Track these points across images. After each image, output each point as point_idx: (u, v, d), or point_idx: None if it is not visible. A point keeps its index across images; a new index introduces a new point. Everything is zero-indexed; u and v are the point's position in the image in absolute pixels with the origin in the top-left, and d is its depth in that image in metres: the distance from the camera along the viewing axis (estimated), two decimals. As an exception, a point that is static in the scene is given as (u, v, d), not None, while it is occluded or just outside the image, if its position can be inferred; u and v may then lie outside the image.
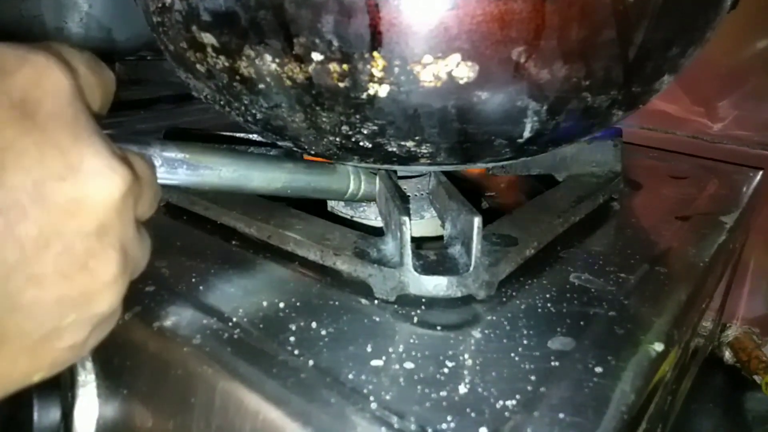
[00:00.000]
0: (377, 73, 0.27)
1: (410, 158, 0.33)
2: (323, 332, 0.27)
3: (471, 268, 0.29)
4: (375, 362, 0.25)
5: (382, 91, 0.27)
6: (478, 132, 0.30)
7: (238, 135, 0.44)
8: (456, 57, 0.26)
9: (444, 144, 0.31)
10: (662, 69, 0.32)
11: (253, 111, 0.32)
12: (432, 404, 0.23)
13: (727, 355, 0.59)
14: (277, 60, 0.28)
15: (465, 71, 0.26)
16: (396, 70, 0.27)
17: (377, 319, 0.28)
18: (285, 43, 0.27)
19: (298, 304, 0.29)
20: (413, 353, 0.26)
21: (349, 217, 0.40)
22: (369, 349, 0.26)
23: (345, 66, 0.27)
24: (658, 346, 0.27)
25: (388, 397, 0.23)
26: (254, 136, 0.44)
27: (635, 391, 0.24)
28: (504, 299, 0.30)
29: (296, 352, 0.26)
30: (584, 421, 0.22)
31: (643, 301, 0.30)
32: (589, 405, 0.23)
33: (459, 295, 0.29)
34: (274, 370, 0.24)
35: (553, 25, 0.25)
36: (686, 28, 0.30)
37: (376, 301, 0.30)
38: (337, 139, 0.32)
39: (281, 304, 0.29)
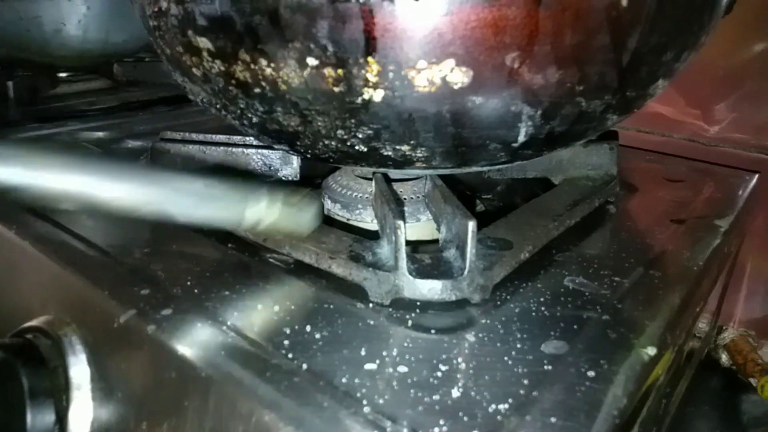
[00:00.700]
0: (372, 78, 0.27)
1: (405, 162, 0.33)
2: (317, 336, 0.27)
3: (465, 272, 0.29)
4: (369, 366, 0.25)
5: (377, 95, 0.28)
6: (473, 136, 0.30)
7: (234, 138, 0.44)
8: (450, 62, 0.26)
9: (439, 148, 0.31)
10: (657, 74, 0.32)
11: (249, 115, 0.32)
12: (425, 408, 0.23)
13: (724, 357, 0.59)
14: (272, 65, 0.28)
15: (459, 76, 0.26)
16: (390, 75, 0.27)
17: (371, 322, 0.28)
18: (280, 48, 0.27)
19: (292, 307, 0.29)
20: (407, 357, 0.26)
21: (345, 220, 0.40)
22: (363, 353, 0.26)
23: (340, 71, 0.27)
24: (651, 350, 0.27)
25: (381, 401, 0.23)
26: (251, 140, 0.44)
27: (627, 395, 0.24)
28: (498, 303, 0.30)
29: (290, 355, 0.26)
30: (576, 425, 0.22)
31: (637, 305, 0.30)
32: (581, 409, 0.23)
33: (453, 298, 0.29)
34: (268, 373, 0.24)
35: (546, 30, 0.26)
36: (680, 32, 0.31)
37: (370, 305, 0.30)
38: (333, 143, 0.32)
39: (276, 308, 0.29)
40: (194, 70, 0.32)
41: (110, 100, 0.76)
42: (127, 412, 0.28)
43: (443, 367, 0.25)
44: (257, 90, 0.30)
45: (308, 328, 0.28)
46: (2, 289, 0.39)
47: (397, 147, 0.31)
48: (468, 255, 0.29)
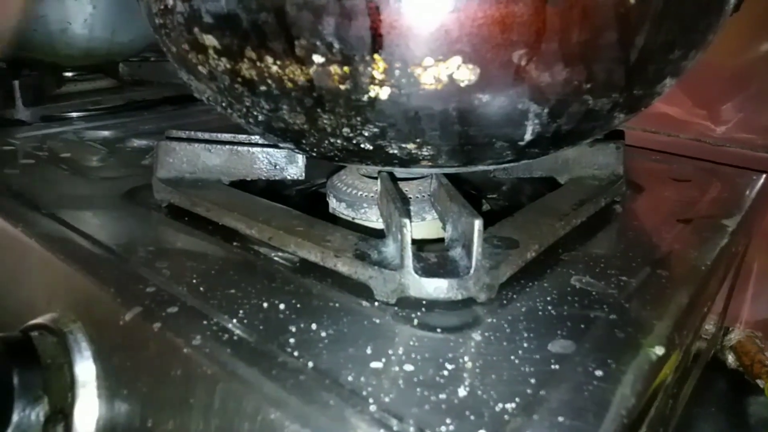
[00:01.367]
0: (378, 75, 0.27)
1: (411, 160, 0.33)
2: (323, 334, 0.27)
3: (472, 271, 0.29)
4: (374, 364, 0.25)
5: (383, 93, 0.28)
6: (480, 134, 0.30)
7: (240, 137, 0.44)
8: (457, 59, 0.26)
9: (445, 146, 0.31)
10: (664, 72, 0.32)
11: (255, 113, 0.32)
12: (431, 407, 0.23)
13: (730, 359, 0.59)
14: (278, 62, 0.28)
15: (466, 74, 0.26)
16: (397, 72, 0.27)
17: (377, 321, 0.28)
18: (286, 46, 0.27)
19: (297, 305, 0.29)
20: (413, 355, 0.26)
21: (350, 218, 0.40)
22: (369, 351, 0.26)
23: (346, 68, 0.27)
24: (659, 350, 0.27)
25: (387, 400, 0.23)
26: (257, 138, 0.44)
27: (635, 394, 0.24)
28: (504, 302, 0.30)
29: (296, 353, 0.26)
30: (584, 424, 0.22)
31: (644, 305, 0.30)
32: (589, 409, 0.23)
33: (460, 297, 0.29)
34: (274, 371, 0.24)
35: (554, 28, 0.26)
36: (688, 30, 0.30)
37: (376, 303, 0.30)
38: (338, 141, 0.32)
39: (281, 306, 0.29)
40: (200, 67, 0.32)
41: (115, 99, 0.76)
42: (132, 410, 0.28)
43: (449, 366, 0.25)
44: (263, 88, 0.30)
45: (314, 326, 0.28)
46: (8, 286, 0.39)
47: (403, 145, 0.31)
48: (474, 254, 0.29)
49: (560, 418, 0.22)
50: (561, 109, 0.29)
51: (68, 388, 0.30)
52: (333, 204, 0.41)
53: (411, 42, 0.26)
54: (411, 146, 0.31)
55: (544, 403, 0.23)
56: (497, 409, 0.23)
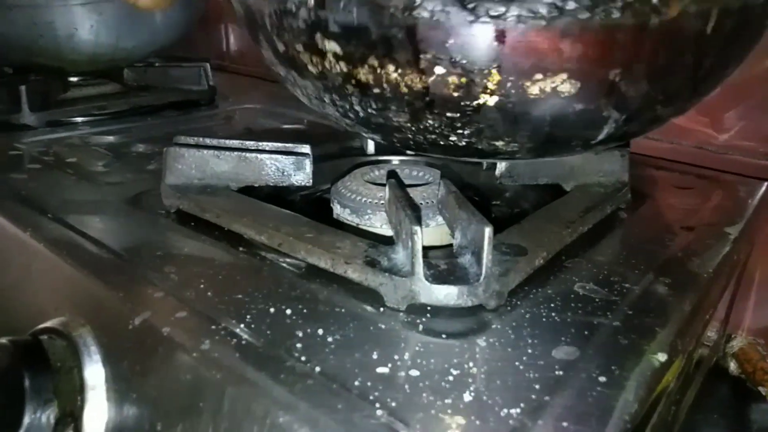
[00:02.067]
0: (491, 86, 0.29)
1: (489, 154, 0.35)
2: (329, 339, 0.27)
3: (482, 278, 0.29)
4: (381, 369, 0.25)
5: (491, 101, 0.30)
6: (563, 135, 0.34)
7: (248, 143, 0.45)
8: (563, 75, 0.29)
9: (529, 144, 0.34)
10: (716, 84, 0.35)
11: (357, 109, 0.34)
12: (438, 411, 0.23)
13: (732, 366, 0.59)
14: (399, 71, 0.30)
15: (568, 87, 0.29)
16: (508, 84, 0.29)
17: (383, 326, 0.29)
18: (411, 58, 0.29)
19: (304, 311, 0.30)
20: (419, 361, 0.26)
21: (354, 224, 0.40)
22: (375, 357, 0.26)
23: (463, 79, 0.29)
24: (662, 357, 0.27)
25: (394, 404, 0.23)
26: (264, 145, 0.44)
27: (638, 400, 0.24)
28: (509, 308, 0.30)
29: (303, 358, 0.26)
30: (588, 430, 0.22)
31: (648, 312, 0.30)
32: (593, 414, 0.23)
33: (470, 304, 0.29)
34: (282, 375, 0.25)
35: (645, 52, 0.29)
36: (742, 49, 0.34)
37: (382, 309, 0.30)
38: (433, 137, 0.34)
39: (288, 311, 0.30)
40: (310, 67, 0.34)
41: (120, 104, 0.76)
42: (141, 414, 0.29)
43: (455, 372, 0.25)
44: (376, 90, 0.32)
45: (320, 331, 0.28)
46: (17, 290, 0.40)
47: (493, 142, 0.33)
48: (484, 261, 0.29)
49: (564, 424, 0.22)
50: (636, 116, 0.33)
51: (78, 391, 0.30)
52: (337, 210, 0.42)
53: (528, 60, 0.28)
54: (500, 143, 0.33)
55: (548, 409, 0.23)
56: (502, 414, 0.23)
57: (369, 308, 0.30)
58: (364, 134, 0.39)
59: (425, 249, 0.34)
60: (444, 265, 0.31)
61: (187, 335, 0.27)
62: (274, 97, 0.83)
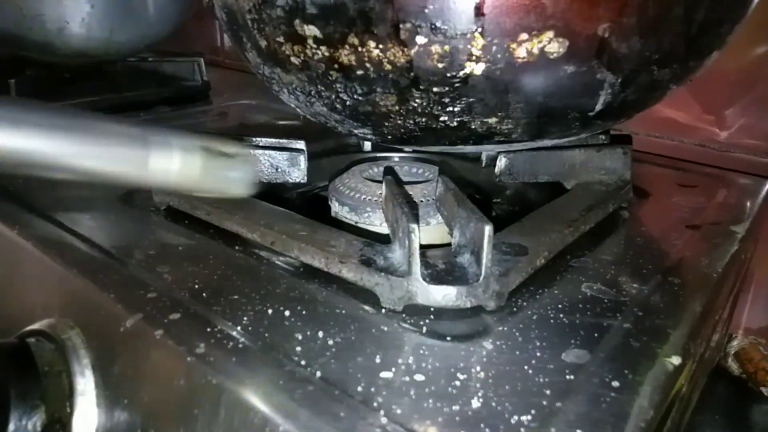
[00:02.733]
0: (476, 52, 0.29)
1: (487, 136, 0.35)
2: (330, 342, 0.26)
3: (481, 278, 0.28)
4: (384, 374, 0.24)
5: (478, 69, 0.30)
6: (558, 106, 0.33)
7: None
8: (549, 34, 0.29)
9: (524, 119, 0.33)
10: (714, 45, 0.35)
11: (344, 97, 0.34)
12: (444, 419, 0.22)
13: (734, 366, 0.58)
14: (380, 46, 0.30)
15: (556, 47, 0.29)
16: (493, 48, 0.29)
17: (385, 328, 0.28)
18: (391, 30, 0.29)
19: (303, 312, 0.29)
20: (423, 365, 0.25)
21: (353, 222, 0.39)
22: (378, 360, 0.25)
23: (446, 47, 0.29)
24: (676, 360, 0.26)
25: (398, 411, 0.22)
26: (257, 140, 0.43)
27: (654, 406, 0.23)
28: (514, 309, 0.29)
29: (303, 362, 0.25)
30: (603, 438, 0.21)
31: (658, 313, 0.29)
32: (608, 421, 0.22)
33: (468, 305, 0.28)
34: (281, 381, 0.24)
35: (634, 3, 0.29)
36: (735, 5, 0.34)
37: (383, 310, 0.29)
38: (424, 119, 0.33)
39: (286, 312, 0.28)
40: (293, 59, 0.34)
41: (112, 99, 0.75)
42: (133, 421, 0.28)
43: (461, 376, 0.24)
44: (360, 72, 0.32)
45: (320, 333, 0.27)
46: (4, 291, 0.39)
47: (486, 119, 0.33)
48: (484, 260, 0.28)
49: (578, 431, 0.21)
50: (631, 79, 0.33)
51: (66, 396, 0.29)
52: (335, 208, 0.41)
53: (510, 19, 0.28)
54: (493, 120, 0.33)
55: (560, 415, 0.22)
56: (512, 421, 0.22)
57: (371, 309, 0.29)
58: (355, 132, 0.39)
59: (424, 248, 0.33)
60: (442, 264, 0.30)
61: (180, 338, 0.26)
62: (269, 92, 0.82)
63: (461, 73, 0.30)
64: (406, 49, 0.30)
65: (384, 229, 0.38)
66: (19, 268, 0.37)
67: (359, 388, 0.23)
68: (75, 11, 0.70)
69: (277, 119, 0.71)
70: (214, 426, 0.24)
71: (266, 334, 0.27)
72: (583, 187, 0.43)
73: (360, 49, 0.31)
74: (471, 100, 0.32)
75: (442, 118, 0.33)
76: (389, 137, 0.37)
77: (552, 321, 0.28)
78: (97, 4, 0.71)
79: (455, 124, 0.34)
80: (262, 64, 0.38)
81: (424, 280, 0.28)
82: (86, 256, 0.34)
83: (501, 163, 0.43)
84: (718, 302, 0.34)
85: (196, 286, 0.30)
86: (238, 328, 0.27)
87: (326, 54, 0.32)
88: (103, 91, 0.78)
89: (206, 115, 0.75)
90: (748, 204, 0.47)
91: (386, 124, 0.35)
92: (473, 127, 0.34)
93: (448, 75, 0.30)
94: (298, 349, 0.26)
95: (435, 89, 0.31)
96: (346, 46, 0.31)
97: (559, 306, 0.30)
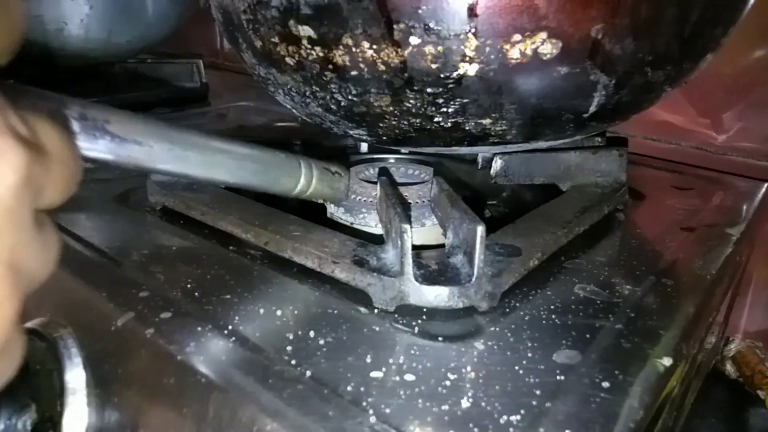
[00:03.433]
0: (469, 52, 0.29)
1: (481, 137, 0.35)
2: (321, 342, 0.26)
3: (473, 279, 0.28)
4: (375, 374, 0.24)
5: (472, 69, 0.30)
6: (552, 107, 0.33)
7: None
8: (542, 35, 0.29)
9: (518, 121, 0.33)
10: (708, 47, 0.35)
11: (339, 98, 0.34)
12: (434, 419, 0.22)
13: (730, 369, 0.58)
14: (374, 47, 0.30)
15: (549, 48, 0.29)
16: (487, 49, 0.29)
17: (377, 328, 0.28)
18: (385, 30, 0.29)
19: (295, 312, 0.29)
20: (414, 365, 0.25)
21: (348, 223, 0.39)
22: (368, 360, 0.25)
23: (440, 48, 0.29)
24: (667, 361, 0.26)
25: (388, 411, 0.22)
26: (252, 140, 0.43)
27: (644, 407, 0.23)
28: (507, 310, 0.29)
29: (293, 362, 0.25)
30: (591, 438, 0.21)
31: (650, 314, 0.29)
32: (597, 422, 0.22)
33: (461, 306, 0.28)
34: (270, 380, 0.24)
35: (627, 4, 0.29)
36: (729, 7, 0.34)
37: (376, 311, 0.29)
38: (418, 120, 0.33)
39: (278, 312, 0.28)
40: (288, 59, 0.34)
41: (111, 100, 0.75)
42: (123, 419, 0.27)
43: (452, 376, 0.24)
44: (354, 72, 0.32)
45: (312, 333, 0.27)
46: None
47: (480, 121, 0.33)
48: (476, 261, 0.28)
49: (567, 431, 0.21)
50: (625, 80, 0.32)
51: (57, 395, 0.29)
52: (331, 209, 0.41)
53: (503, 20, 0.28)
54: (487, 122, 0.33)
55: (550, 416, 0.22)
56: (502, 421, 0.22)
57: (363, 310, 0.29)
58: (350, 133, 0.39)
59: (418, 249, 0.33)
60: (435, 265, 0.30)
61: (171, 337, 0.26)
62: (267, 94, 0.82)
63: (455, 74, 0.30)
64: (399, 50, 0.30)
65: (379, 230, 0.38)
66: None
67: (349, 388, 0.23)
68: (74, 12, 0.70)
69: (275, 121, 0.71)
70: (202, 425, 0.24)
71: (257, 334, 0.27)
72: (578, 189, 0.43)
73: (354, 49, 0.31)
74: (465, 101, 0.32)
75: (436, 119, 0.33)
76: (384, 138, 0.37)
77: (544, 322, 0.28)
78: (95, 5, 0.71)
79: (449, 125, 0.34)
80: (257, 65, 0.38)
81: (416, 280, 0.28)
82: (80, 256, 0.34)
83: (496, 164, 0.43)
84: (712, 304, 0.34)
85: (189, 286, 0.30)
86: (230, 327, 0.27)
87: (320, 54, 0.32)
88: (102, 93, 0.78)
89: (205, 116, 0.75)
90: (744, 207, 0.47)
91: (381, 124, 0.35)
92: (467, 128, 0.34)
93: (442, 76, 0.30)
94: (289, 348, 0.26)
95: (429, 90, 0.31)
96: (341, 47, 0.31)
97: (552, 307, 0.30)
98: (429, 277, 0.29)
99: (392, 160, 0.50)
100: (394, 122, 0.34)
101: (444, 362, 0.25)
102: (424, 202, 0.39)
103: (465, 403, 0.23)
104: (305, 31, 0.31)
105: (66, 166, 0.17)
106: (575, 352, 0.26)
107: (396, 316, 0.29)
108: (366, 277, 0.29)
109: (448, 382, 0.24)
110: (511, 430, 0.21)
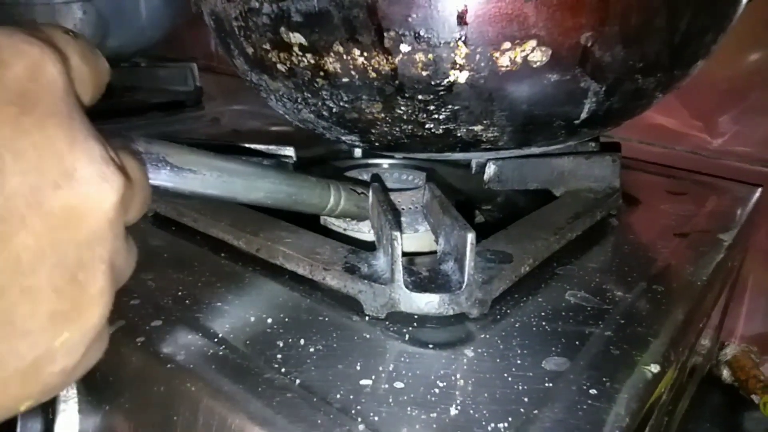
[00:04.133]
0: (459, 60, 0.29)
1: (473, 144, 0.35)
2: (311, 349, 0.26)
3: (464, 286, 0.28)
4: (364, 381, 0.24)
5: (462, 77, 0.30)
6: (543, 114, 0.33)
7: (229, 145, 0.44)
8: (532, 43, 0.29)
9: (509, 127, 0.34)
10: (698, 54, 0.35)
11: (330, 105, 0.34)
12: (422, 426, 0.22)
13: (725, 374, 0.58)
14: (365, 54, 0.30)
15: (539, 55, 0.29)
16: (477, 57, 0.29)
17: (367, 336, 0.28)
18: (375, 38, 0.29)
19: (286, 319, 0.29)
20: (404, 372, 0.25)
21: (341, 230, 0.39)
22: (358, 368, 0.25)
23: (430, 56, 0.29)
24: (654, 368, 0.26)
25: (377, 419, 0.22)
26: (245, 146, 0.43)
27: (630, 414, 0.23)
28: (498, 317, 0.30)
29: (283, 369, 0.25)
30: (579, 446, 0.21)
31: (640, 321, 0.29)
32: (583, 428, 0.22)
33: (451, 313, 0.28)
34: (260, 388, 0.24)
35: (616, 12, 0.29)
36: (719, 15, 0.34)
37: (366, 318, 0.29)
38: (410, 127, 0.34)
39: (269, 320, 0.28)
40: (279, 66, 0.34)
41: (105, 104, 0.75)
42: (114, 427, 0.27)
43: (441, 384, 0.24)
44: (345, 79, 0.32)
45: (302, 341, 0.27)
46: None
47: (471, 127, 0.33)
48: (467, 268, 0.28)
49: (554, 439, 0.21)
50: (616, 87, 0.33)
51: (49, 403, 0.29)
52: (324, 214, 0.41)
53: (493, 28, 0.28)
54: (478, 128, 0.33)
55: (537, 423, 0.22)
56: (489, 428, 0.22)
57: (354, 317, 0.29)
58: (343, 139, 0.39)
59: (411, 255, 0.33)
60: (426, 272, 0.30)
61: (161, 345, 0.26)
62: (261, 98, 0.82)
63: (445, 81, 0.30)
64: (390, 57, 0.30)
65: (372, 236, 0.38)
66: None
67: (338, 396, 0.23)
68: (67, 17, 0.70)
69: (269, 125, 0.71)
70: (192, 433, 0.24)
71: (247, 342, 0.27)
72: (571, 195, 0.43)
73: (345, 56, 0.31)
74: (456, 107, 0.32)
75: (427, 126, 0.33)
76: (376, 144, 0.37)
77: (534, 329, 0.29)
78: (89, 10, 0.71)
79: (441, 131, 0.34)
80: (249, 71, 0.38)
81: (406, 287, 0.28)
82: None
83: (490, 170, 0.43)
84: (702, 310, 0.34)
85: (180, 293, 0.30)
86: (220, 335, 0.27)
87: (312, 61, 0.32)
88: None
89: (199, 120, 0.75)
90: (738, 212, 0.47)
91: (373, 131, 0.35)
92: (459, 134, 0.34)
93: (433, 83, 0.31)
94: (279, 356, 0.26)
95: (420, 97, 0.32)
96: (331, 54, 0.31)
97: (542, 314, 0.30)
98: (419, 285, 0.29)
99: (386, 166, 0.50)
100: (386, 129, 0.35)
101: (434, 369, 0.25)
102: (417, 207, 0.39)
103: (453, 411, 0.23)
104: (296, 38, 0.31)
105: (143, 191, 0.21)
106: (564, 359, 0.26)
107: (387, 323, 0.29)
108: (357, 284, 0.29)
109: (437, 390, 0.24)
110: (498, 438, 0.21)
